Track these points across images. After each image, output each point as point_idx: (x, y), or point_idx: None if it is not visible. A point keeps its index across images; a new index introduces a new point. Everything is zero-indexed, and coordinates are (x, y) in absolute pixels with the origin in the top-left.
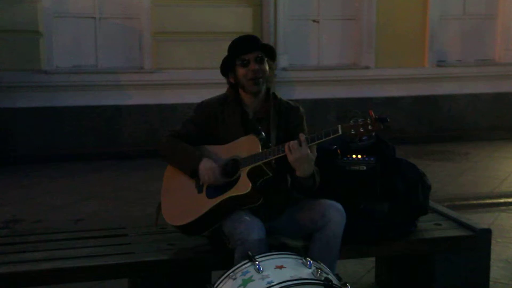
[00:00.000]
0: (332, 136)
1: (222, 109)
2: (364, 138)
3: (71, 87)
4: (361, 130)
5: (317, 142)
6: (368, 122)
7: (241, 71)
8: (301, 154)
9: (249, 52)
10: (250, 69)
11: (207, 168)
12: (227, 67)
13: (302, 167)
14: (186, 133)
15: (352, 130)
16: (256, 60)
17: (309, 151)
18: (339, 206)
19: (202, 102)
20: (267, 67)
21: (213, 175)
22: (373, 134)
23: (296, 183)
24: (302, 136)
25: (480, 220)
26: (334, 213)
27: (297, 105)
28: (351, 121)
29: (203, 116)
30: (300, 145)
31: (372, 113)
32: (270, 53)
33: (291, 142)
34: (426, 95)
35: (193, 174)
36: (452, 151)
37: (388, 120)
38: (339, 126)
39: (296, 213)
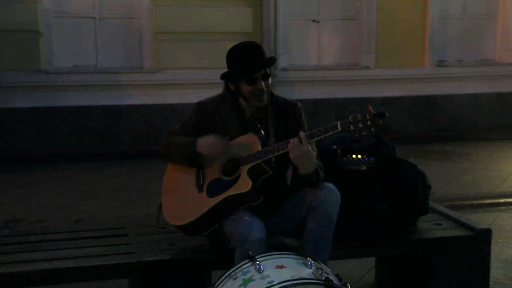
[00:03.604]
0: (331, 132)
1: (219, 109)
2: (363, 133)
3: (71, 87)
4: (360, 125)
5: (316, 138)
6: (367, 117)
7: (246, 87)
8: (302, 151)
9: (257, 71)
10: (257, 88)
11: (207, 144)
12: (229, 77)
13: (304, 164)
14: (184, 133)
15: (351, 126)
16: (263, 77)
17: (309, 148)
18: (332, 187)
19: (199, 102)
20: (270, 80)
21: (216, 145)
22: (372, 129)
23: (300, 181)
24: (302, 134)
25: (480, 220)
26: (328, 193)
27: (294, 102)
28: (350, 117)
29: (200, 116)
30: (301, 142)
31: (371, 108)
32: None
33: (292, 140)
34: (426, 95)
35: (192, 161)
36: (452, 151)
37: (387, 115)
38: (338, 122)
39: (293, 202)
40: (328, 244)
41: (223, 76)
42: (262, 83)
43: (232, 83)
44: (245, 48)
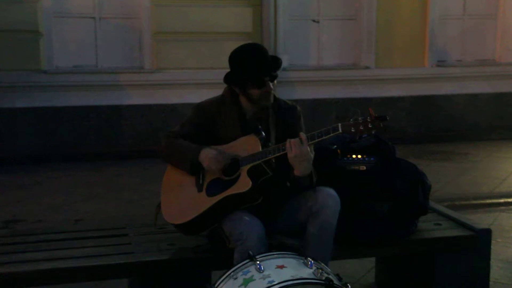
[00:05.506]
0: (332, 134)
1: (219, 110)
2: (364, 136)
3: (71, 87)
4: (361, 128)
5: (317, 140)
6: (368, 120)
7: (254, 91)
8: (301, 152)
9: (266, 75)
10: (265, 90)
11: (209, 157)
12: (236, 81)
13: (301, 165)
14: (184, 134)
15: (352, 128)
16: (270, 79)
17: (308, 150)
18: (333, 192)
19: (200, 103)
20: (276, 81)
21: (217, 161)
22: (373, 132)
23: (294, 182)
24: (302, 135)
25: (480, 220)
26: (328, 198)
27: (294, 105)
28: (351, 120)
29: (201, 117)
30: (301, 143)
31: (372, 111)
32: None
33: (292, 140)
34: (426, 95)
35: (193, 169)
36: (452, 151)
37: (388, 118)
38: (339, 124)
39: (293, 204)
40: (328, 247)
41: (228, 80)
42: (271, 85)
43: (237, 86)
44: (251, 52)
